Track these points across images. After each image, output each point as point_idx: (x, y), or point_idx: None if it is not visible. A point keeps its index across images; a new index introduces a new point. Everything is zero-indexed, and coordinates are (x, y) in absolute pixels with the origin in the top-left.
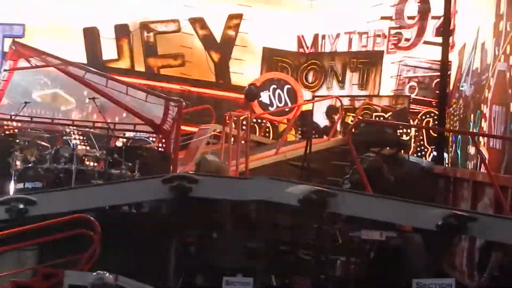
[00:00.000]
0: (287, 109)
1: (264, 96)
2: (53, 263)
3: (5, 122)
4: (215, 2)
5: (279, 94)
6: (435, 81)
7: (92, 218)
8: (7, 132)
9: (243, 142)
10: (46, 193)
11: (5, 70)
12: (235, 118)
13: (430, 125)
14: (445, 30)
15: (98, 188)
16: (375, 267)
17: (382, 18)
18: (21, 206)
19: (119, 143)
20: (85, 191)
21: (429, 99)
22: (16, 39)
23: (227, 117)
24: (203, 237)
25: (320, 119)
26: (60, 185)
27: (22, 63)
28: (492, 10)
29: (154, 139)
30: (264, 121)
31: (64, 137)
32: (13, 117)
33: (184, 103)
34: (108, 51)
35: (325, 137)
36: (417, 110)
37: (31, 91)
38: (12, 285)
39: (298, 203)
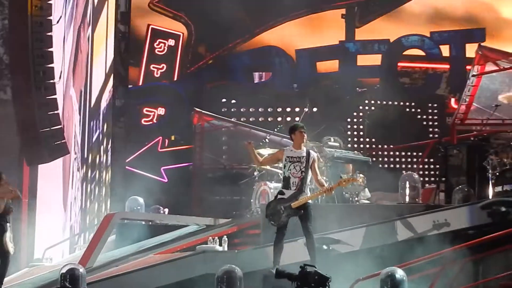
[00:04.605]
0: None
1: None
2: None
3: (476, 128)
4: None
5: None
6: None
7: None
8: (479, 137)
9: None
10: None
11: (473, 76)
12: None
13: None
14: None
15: None
16: None
17: None
18: (503, 209)
19: None
20: None
21: None
22: (481, 44)
23: None
24: None
25: None
26: None
27: (489, 66)
28: None
29: None
30: None
31: None
32: (484, 121)
33: None
34: None
35: None
36: None
37: (497, 94)
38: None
39: None
